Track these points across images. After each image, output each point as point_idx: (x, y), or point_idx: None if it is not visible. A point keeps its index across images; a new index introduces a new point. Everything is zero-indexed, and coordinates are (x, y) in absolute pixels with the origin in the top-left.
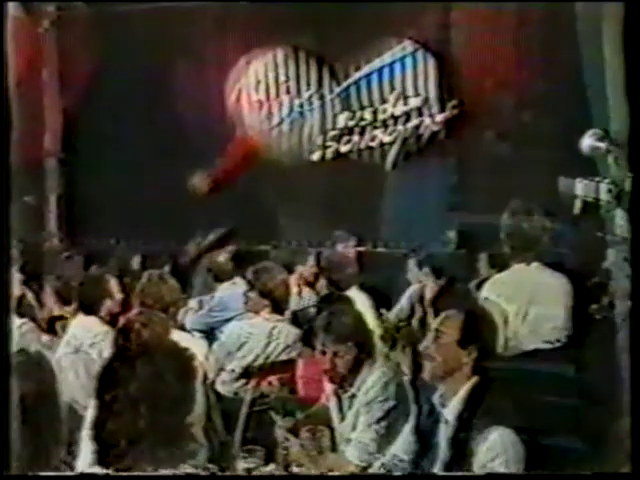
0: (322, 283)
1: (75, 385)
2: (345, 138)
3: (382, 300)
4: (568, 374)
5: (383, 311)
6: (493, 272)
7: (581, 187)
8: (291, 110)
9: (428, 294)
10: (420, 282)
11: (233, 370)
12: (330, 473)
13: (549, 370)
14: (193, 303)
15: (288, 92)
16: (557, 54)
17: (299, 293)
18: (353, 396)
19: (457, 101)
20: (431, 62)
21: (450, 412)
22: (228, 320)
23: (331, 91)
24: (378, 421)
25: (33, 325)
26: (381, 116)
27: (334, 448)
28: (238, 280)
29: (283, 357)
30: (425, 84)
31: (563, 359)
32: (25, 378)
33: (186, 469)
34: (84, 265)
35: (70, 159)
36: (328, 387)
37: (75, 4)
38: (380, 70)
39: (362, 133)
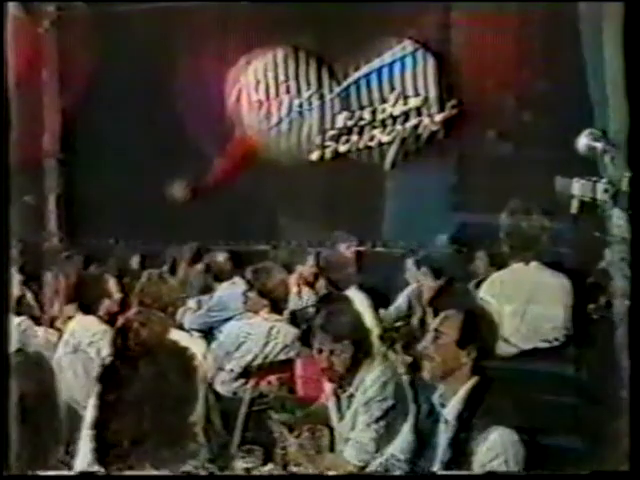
0: (321, 283)
1: (74, 385)
2: (344, 138)
3: (381, 300)
4: (567, 373)
5: (382, 311)
6: (492, 271)
7: (578, 187)
8: (290, 110)
9: (426, 294)
10: (418, 282)
11: (232, 370)
12: (329, 473)
13: (548, 369)
14: (192, 303)
15: (288, 92)
16: (558, 54)
17: (298, 293)
18: (352, 396)
19: (456, 101)
20: (431, 62)
21: (450, 412)
22: (227, 320)
23: (331, 91)
24: (377, 421)
25: (32, 324)
26: (380, 116)
27: (332, 448)
28: (237, 280)
29: (282, 357)
30: (425, 84)
31: (562, 358)
32: (24, 378)
33: (187, 469)
34: (83, 265)
35: (69, 159)
36: (327, 387)
37: (75, 4)
38: (380, 70)
39: (361, 133)
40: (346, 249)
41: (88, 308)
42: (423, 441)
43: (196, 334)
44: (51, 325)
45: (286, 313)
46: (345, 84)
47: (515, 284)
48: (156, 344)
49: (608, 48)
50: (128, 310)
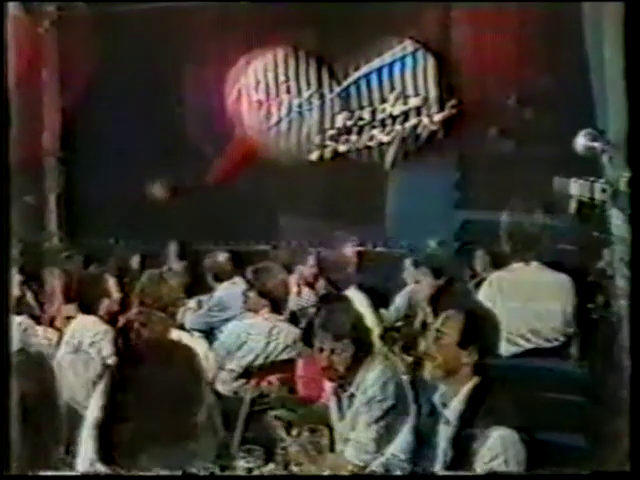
0: (321, 283)
1: (75, 385)
2: (343, 138)
3: (382, 300)
4: (568, 373)
5: (382, 310)
6: (492, 271)
7: (576, 187)
8: (290, 110)
9: (426, 293)
10: (417, 281)
11: (232, 370)
12: (329, 473)
13: (549, 369)
14: (192, 303)
15: (288, 92)
16: (559, 52)
17: (298, 293)
18: (352, 395)
19: (456, 101)
20: (431, 62)
21: (451, 412)
22: (227, 320)
23: (331, 91)
24: (377, 421)
25: (33, 324)
26: (379, 116)
27: (333, 448)
28: (238, 280)
29: (283, 357)
30: (425, 84)
31: (563, 358)
32: (25, 377)
33: (194, 469)
34: (84, 265)
35: (69, 158)
36: (327, 386)
37: (75, 4)
38: (380, 70)
39: (360, 133)
40: (348, 249)
41: (88, 308)
42: (424, 441)
43: (197, 334)
44: (51, 325)
45: (286, 313)
46: (345, 84)
47: (515, 283)
48: (158, 344)
49: (608, 48)
50: (129, 310)
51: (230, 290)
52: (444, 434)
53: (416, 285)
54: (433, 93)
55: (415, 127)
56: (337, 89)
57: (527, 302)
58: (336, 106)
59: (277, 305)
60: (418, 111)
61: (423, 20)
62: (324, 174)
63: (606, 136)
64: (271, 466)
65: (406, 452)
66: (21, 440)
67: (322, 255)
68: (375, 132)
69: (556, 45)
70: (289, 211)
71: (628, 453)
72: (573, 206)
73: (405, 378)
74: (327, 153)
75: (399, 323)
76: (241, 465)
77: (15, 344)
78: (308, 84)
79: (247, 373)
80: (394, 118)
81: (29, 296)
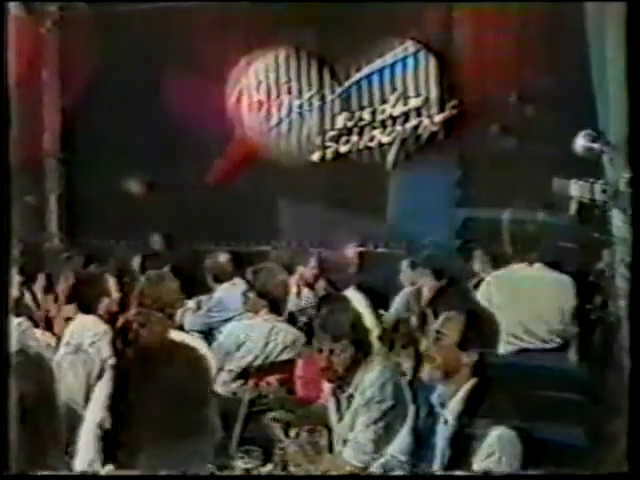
0: (321, 284)
1: (74, 385)
2: (344, 138)
3: (381, 300)
4: (567, 373)
5: (382, 311)
6: (492, 271)
7: (576, 188)
8: (290, 110)
9: (426, 294)
10: (413, 283)
11: (232, 370)
12: (328, 473)
13: (548, 369)
14: (191, 303)
15: (289, 92)
16: (560, 52)
17: (298, 294)
18: (351, 396)
19: (457, 101)
20: (432, 62)
21: (450, 412)
22: (227, 320)
23: (332, 92)
24: (376, 422)
25: (31, 325)
26: (380, 116)
27: (331, 448)
28: (237, 280)
29: (282, 357)
30: (426, 84)
31: (562, 358)
32: (24, 378)
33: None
34: (84, 265)
35: (70, 159)
36: (326, 387)
37: (76, 4)
38: (381, 70)
39: (361, 133)
40: (349, 250)
41: (88, 308)
42: (422, 441)
43: (196, 335)
44: (50, 325)
45: (286, 314)
46: (346, 85)
47: (516, 283)
48: (157, 344)
49: (610, 48)
50: (128, 310)
51: (230, 291)
52: (442, 434)
53: (416, 286)
54: (434, 93)
55: (416, 128)
56: (338, 90)
57: (526, 302)
58: (337, 107)
59: (276, 306)
60: (418, 112)
61: (424, 21)
62: (325, 175)
63: (605, 137)
64: (269, 466)
65: (405, 452)
66: (20, 440)
67: (323, 256)
68: (376, 133)
69: (557, 45)
70: (289, 212)
71: (626, 454)
72: (573, 207)
73: (404, 379)
74: (328, 154)
75: (399, 324)
76: (239, 465)
77: (14, 345)
78: (309, 85)
79: (246, 374)
80: (395, 119)
81: (29, 296)
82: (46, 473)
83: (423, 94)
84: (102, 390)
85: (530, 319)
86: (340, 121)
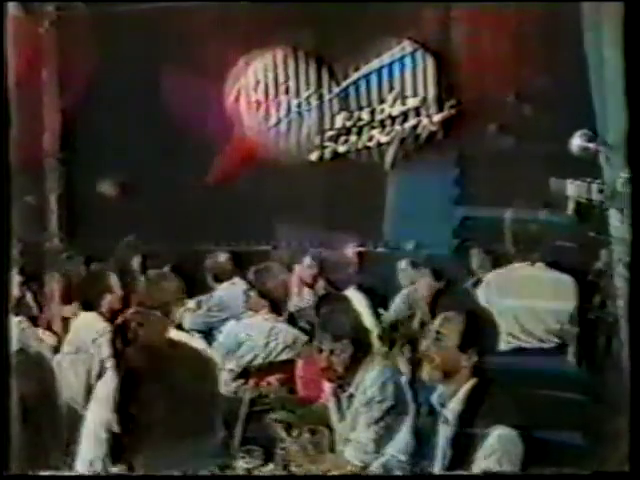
0: (321, 284)
1: (75, 385)
2: (342, 138)
3: (381, 300)
4: (567, 373)
5: (382, 311)
6: (492, 270)
7: (573, 188)
8: (289, 110)
9: (425, 294)
10: (413, 283)
11: (232, 370)
12: (329, 473)
13: (548, 369)
14: (192, 303)
15: (287, 92)
16: (557, 52)
17: (298, 293)
18: (351, 396)
19: (455, 101)
20: (430, 62)
21: (450, 412)
22: (227, 320)
23: (330, 91)
24: (377, 421)
25: (32, 325)
26: (378, 116)
27: (333, 448)
28: (237, 280)
29: (282, 357)
30: (424, 84)
31: (563, 358)
32: (25, 378)
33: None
34: (84, 265)
35: (70, 159)
36: (327, 387)
37: (75, 4)
38: (379, 70)
39: (359, 133)
40: (349, 250)
41: (90, 305)
42: (423, 441)
43: (196, 334)
44: (51, 325)
45: (286, 314)
46: (344, 84)
47: (515, 282)
48: (156, 344)
49: (608, 48)
50: (128, 309)
51: (230, 290)
52: (443, 434)
53: (415, 286)
54: (432, 93)
55: (414, 127)
56: (336, 89)
57: (527, 301)
58: (335, 107)
59: (277, 305)
60: (417, 111)
61: (422, 20)
62: (324, 174)
63: (601, 137)
64: (271, 466)
65: (405, 452)
66: (21, 440)
67: (322, 256)
68: (374, 132)
69: (554, 45)
70: (289, 212)
71: (627, 453)
72: (571, 207)
73: (404, 379)
74: (327, 154)
75: (399, 324)
76: (241, 465)
77: (15, 344)
78: (307, 84)
79: (246, 373)
80: (393, 118)
81: (29, 296)
82: (47, 473)
83: (421, 94)
84: (103, 389)
85: (529, 319)
86: (339, 121)
